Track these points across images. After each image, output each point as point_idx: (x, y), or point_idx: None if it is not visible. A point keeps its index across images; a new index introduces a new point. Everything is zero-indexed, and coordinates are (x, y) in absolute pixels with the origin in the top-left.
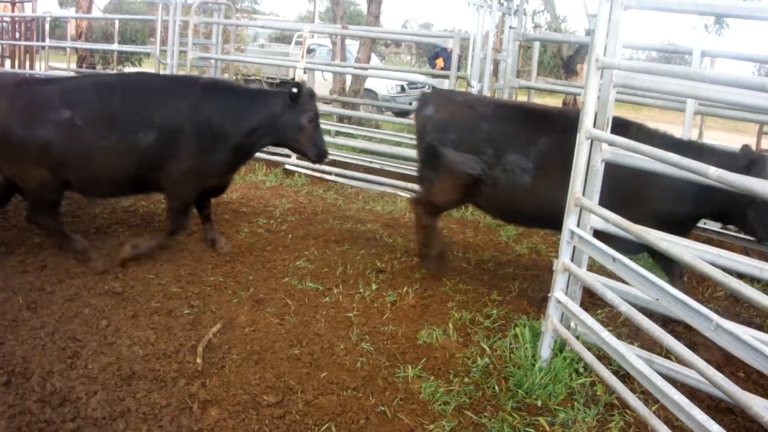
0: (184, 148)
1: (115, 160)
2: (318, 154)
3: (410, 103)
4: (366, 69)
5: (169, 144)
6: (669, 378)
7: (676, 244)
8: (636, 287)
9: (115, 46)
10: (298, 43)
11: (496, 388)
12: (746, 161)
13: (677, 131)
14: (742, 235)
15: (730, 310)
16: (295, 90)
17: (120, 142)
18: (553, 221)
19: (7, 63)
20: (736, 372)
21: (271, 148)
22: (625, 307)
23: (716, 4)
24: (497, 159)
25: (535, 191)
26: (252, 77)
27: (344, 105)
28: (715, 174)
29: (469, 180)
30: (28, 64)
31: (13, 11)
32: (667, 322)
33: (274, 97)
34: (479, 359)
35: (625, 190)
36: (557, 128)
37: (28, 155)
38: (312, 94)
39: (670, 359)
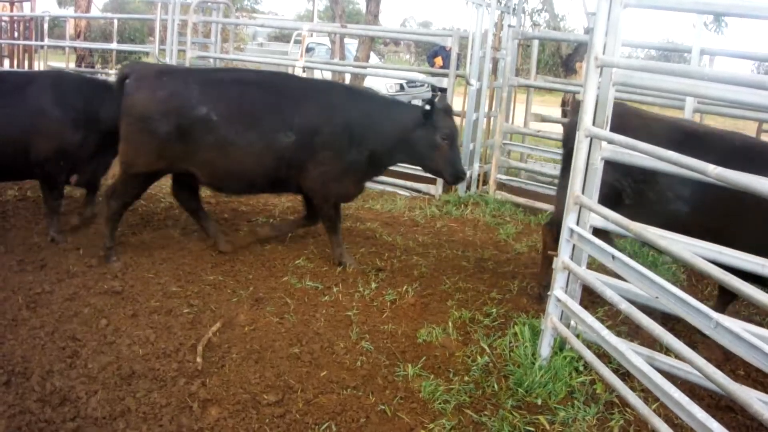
0: (324, 150)
1: (251, 159)
2: (454, 175)
3: (409, 102)
4: (365, 68)
5: (308, 146)
6: (671, 375)
7: (676, 242)
8: (636, 285)
9: (114, 45)
10: (297, 41)
11: (496, 386)
12: None
13: None
14: None
15: (729, 308)
16: (428, 107)
17: (257, 141)
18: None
19: (6, 62)
20: (736, 370)
21: None
22: (624, 305)
23: (716, 3)
24: (646, 178)
25: (692, 223)
26: None
27: None
28: (714, 172)
29: (610, 193)
30: (26, 63)
31: (11, 10)
32: (666, 320)
33: (409, 110)
34: (479, 358)
35: None
36: (718, 155)
37: (153, 145)
38: (448, 110)
39: (671, 356)
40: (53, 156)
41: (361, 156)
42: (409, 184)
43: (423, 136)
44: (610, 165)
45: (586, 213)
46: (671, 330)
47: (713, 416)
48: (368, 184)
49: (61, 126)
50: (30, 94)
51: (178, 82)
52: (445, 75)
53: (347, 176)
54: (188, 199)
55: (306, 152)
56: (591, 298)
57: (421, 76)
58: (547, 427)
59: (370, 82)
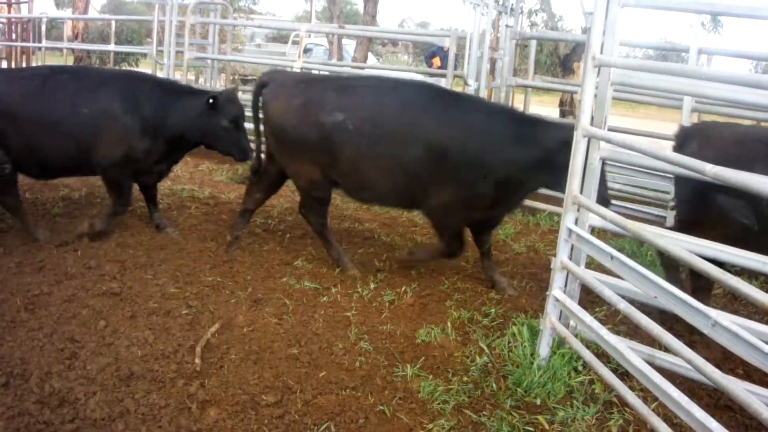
0: (448, 175)
1: (381, 171)
2: (606, 199)
3: None
4: (363, 68)
5: (434, 167)
6: (671, 372)
7: (675, 240)
8: (634, 285)
9: (112, 47)
10: (294, 42)
11: (495, 386)
12: None
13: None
14: None
15: (728, 307)
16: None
17: (386, 154)
18: None
19: (4, 64)
20: (735, 369)
21: None
22: (623, 305)
23: (716, 3)
24: None
25: None
26: (249, 77)
27: None
28: (711, 171)
29: (739, 232)
30: (24, 65)
31: (9, 12)
32: (665, 320)
33: (554, 130)
34: (478, 358)
35: None
36: None
37: (300, 153)
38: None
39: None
40: (118, 161)
41: (492, 184)
42: None
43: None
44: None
45: (584, 213)
46: (670, 329)
47: (712, 415)
48: None
49: (128, 132)
50: (103, 96)
51: (314, 89)
52: (443, 75)
53: (473, 207)
54: (254, 200)
55: (432, 175)
56: (590, 298)
57: (419, 77)
58: (546, 426)
59: None
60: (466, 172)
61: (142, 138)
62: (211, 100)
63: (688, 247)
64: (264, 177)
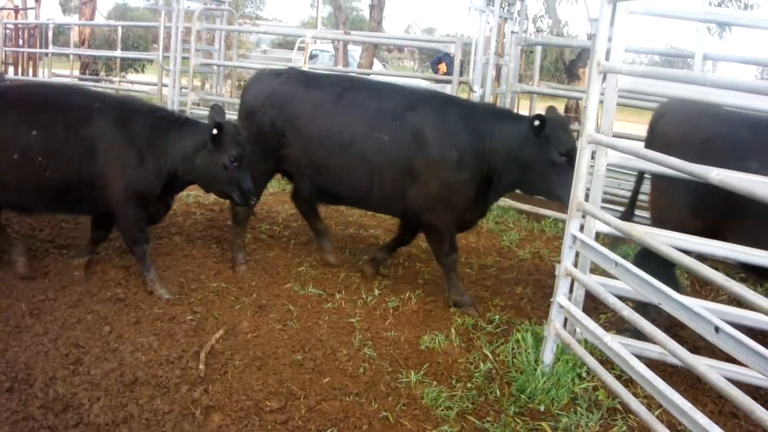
0: None
1: None
2: None
3: None
4: (368, 74)
5: None
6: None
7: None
8: (638, 292)
9: (118, 53)
10: (300, 48)
11: (499, 393)
12: None
13: None
14: None
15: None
16: None
17: None
18: None
19: (11, 70)
20: None
21: None
22: (627, 312)
23: (724, 13)
24: None
25: None
26: None
27: None
28: (716, 177)
29: None
30: (31, 71)
31: (16, 18)
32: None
33: None
34: (482, 364)
35: None
36: None
37: (683, 200)
38: None
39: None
40: (430, 204)
41: None
42: None
43: None
44: None
45: (589, 220)
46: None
47: (716, 422)
48: None
49: (444, 168)
50: (409, 123)
51: (717, 123)
52: (449, 81)
53: None
54: None
55: None
56: (594, 304)
57: (424, 83)
58: None
59: None
60: None
61: (458, 173)
62: (536, 123)
63: (690, 247)
64: None
